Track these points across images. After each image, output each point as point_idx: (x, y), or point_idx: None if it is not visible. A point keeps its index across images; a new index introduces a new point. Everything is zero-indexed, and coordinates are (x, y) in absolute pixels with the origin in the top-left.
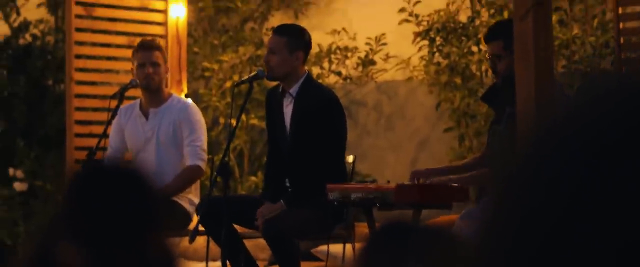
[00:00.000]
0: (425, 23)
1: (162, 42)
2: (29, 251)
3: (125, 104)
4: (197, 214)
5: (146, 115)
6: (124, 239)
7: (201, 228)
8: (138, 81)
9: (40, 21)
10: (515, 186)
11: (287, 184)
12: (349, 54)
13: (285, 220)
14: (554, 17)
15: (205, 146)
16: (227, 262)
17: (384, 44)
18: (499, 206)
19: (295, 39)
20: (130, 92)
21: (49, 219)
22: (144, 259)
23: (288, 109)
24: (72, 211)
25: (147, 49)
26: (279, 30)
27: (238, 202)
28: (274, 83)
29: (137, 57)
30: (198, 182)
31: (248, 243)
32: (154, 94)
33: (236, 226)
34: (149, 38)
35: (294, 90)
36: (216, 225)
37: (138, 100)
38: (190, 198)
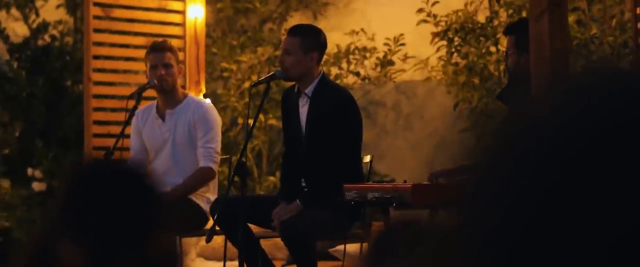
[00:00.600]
0: (443, 23)
1: (180, 43)
2: (29, 250)
3: (143, 104)
4: (212, 215)
5: (162, 117)
6: (124, 239)
7: (218, 228)
8: (155, 82)
9: (59, 22)
10: (506, 165)
11: (303, 184)
12: (368, 55)
13: (302, 220)
14: (572, 17)
15: (218, 148)
16: (244, 264)
17: (403, 44)
18: (490, 185)
19: (309, 39)
20: (148, 93)
21: (49, 217)
22: (144, 259)
23: (304, 109)
24: (72, 209)
25: (159, 51)
26: (294, 31)
27: (254, 202)
28: (292, 83)
29: (150, 59)
30: (216, 181)
31: (265, 243)
32: (169, 95)
33: (253, 226)
34: (160, 39)
35: (309, 90)
36: (232, 225)
37: (155, 102)
38: (208, 197)
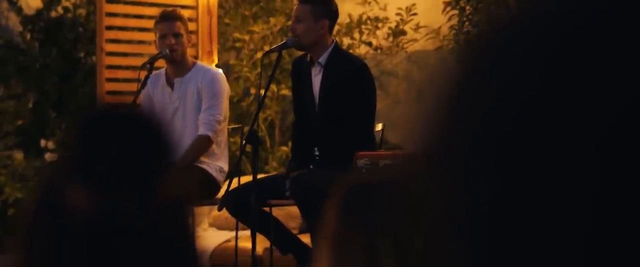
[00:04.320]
0: None
1: (192, 13)
2: (37, 196)
3: (153, 74)
4: (219, 209)
5: (171, 85)
6: (133, 183)
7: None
8: (167, 51)
9: None
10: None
11: (316, 153)
12: (380, 25)
13: (312, 177)
14: None
15: (220, 117)
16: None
17: (415, 14)
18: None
19: (320, 6)
20: (159, 63)
21: (57, 162)
22: (153, 204)
23: (317, 78)
24: (82, 152)
25: (168, 20)
26: None
27: (263, 184)
28: (303, 52)
29: (159, 29)
30: (226, 151)
31: (278, 212)
32: (178, 64)
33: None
34: (169, 9)
35: (322, 59)
36: (245, 213)
37: (163, 70)
38: (220, 166)
